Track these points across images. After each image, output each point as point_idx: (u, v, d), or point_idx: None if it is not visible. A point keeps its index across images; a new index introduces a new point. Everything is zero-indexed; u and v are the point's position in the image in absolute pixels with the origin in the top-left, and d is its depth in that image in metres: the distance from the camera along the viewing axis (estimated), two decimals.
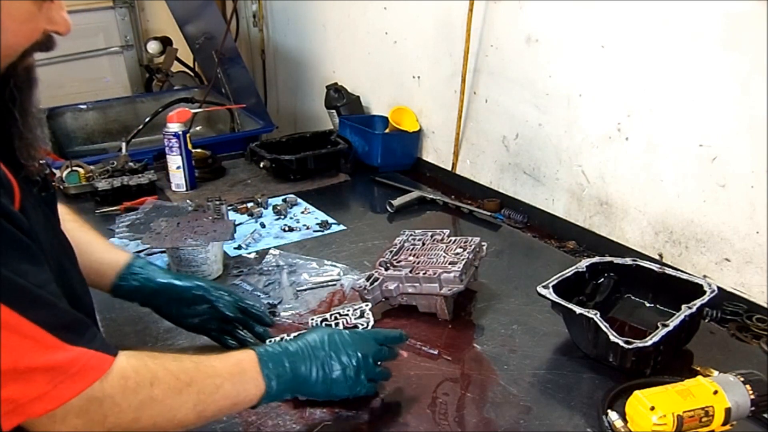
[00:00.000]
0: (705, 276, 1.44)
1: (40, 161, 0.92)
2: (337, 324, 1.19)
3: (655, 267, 1.31)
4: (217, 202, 1.74)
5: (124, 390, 0.78)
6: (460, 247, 1.40)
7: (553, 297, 1.21)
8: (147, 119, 2.55)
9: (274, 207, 1.93)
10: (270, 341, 1.18)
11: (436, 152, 2.28)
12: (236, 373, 0.89)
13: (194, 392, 0.83)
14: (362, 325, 1.18)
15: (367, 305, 1.20)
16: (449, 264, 1.34)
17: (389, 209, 1.93)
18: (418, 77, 2.29)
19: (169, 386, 0.81)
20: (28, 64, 0.82)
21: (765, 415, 1.02)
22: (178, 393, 0.82)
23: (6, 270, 0.70)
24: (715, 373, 1.11)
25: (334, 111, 2.55)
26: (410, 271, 1.34)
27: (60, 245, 0.96)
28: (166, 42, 3.46)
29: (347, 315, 1.21)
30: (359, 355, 1.01)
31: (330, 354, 0.99)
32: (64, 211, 1.17)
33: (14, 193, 0.78)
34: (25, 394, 0.71)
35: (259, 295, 1.46)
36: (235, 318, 1.23)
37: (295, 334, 1.12)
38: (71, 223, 1.18)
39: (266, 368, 0.92)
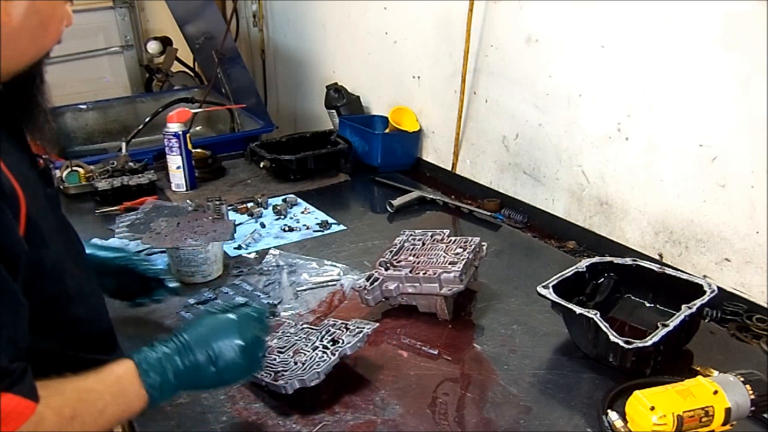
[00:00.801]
0: (705, 276, 1.44)
1: (44, 157, 0.94)
2: (334, 332, 1.19)
3: (655, 267, 1.31)
4: (217, 202, 1.74)
5: (40, 427, 0.76)
6: (460, 247, 1.40)
7: (553, 297, 1.21)
8: (147, 119, 2.55)
9: (274, 207, 1.93)
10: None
11: (436, 152, 2.28)
12: (118, 393, 0.87)
13: (78, 424, 0.82)
14: (348, 341, 1.14)
15: (370, 328, 1.19)
16: (449, 264, 1.34)
17: (389, 209, 1.93)
18: (418, 77, 2.29)
19: (53, 424, 0.79)
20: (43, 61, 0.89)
21: (765, 415, 1.02)
22: (64, 429, 0.80)
23: None
24: (715, 373, 1.11)
25: (334, 111, 2.55)
26: (410, 271, 1.34)
27: (67, 242, 0.97)
28: (166, 42, 3.46)
29: (348, 328, 1.20)
30: (249, 337, 0.97)
31: (213, 345, 0.94)
32: None
33: (19, 205, 0.79)
34: None
35: (259, 295, 1.46)
36: (154, 277, 1.32)
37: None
38: None
39: (147, 378, 0.89)
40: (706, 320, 1.36)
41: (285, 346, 1.19)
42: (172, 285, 1.34)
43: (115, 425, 0.89)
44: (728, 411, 0.94)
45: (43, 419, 0.78)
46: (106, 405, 0.85)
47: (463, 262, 1.34)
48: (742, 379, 0.97)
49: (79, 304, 0.95)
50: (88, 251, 1.18)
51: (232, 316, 0.99)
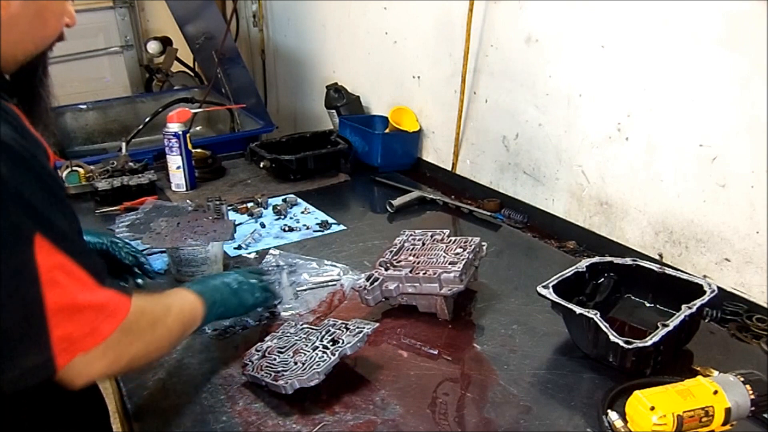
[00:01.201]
0: (705, 276, 1.44)
1: None
2: (334, 332, 1.19)
3: (655, 267, 1.31)
4: (217, 202, 1.74)
5: (140, 320, 0.92)
6: (460, 247, 1.40)
7: (553, 297, 1.21)
8: (147, 119, 2.56)
9: (274, 207, 1.93)
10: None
11: (436, 152, 2.28)
12: (182, 295, 1.11)
13: (173, 315, 1.03)
14: (348, 341, 1.15)
15: (370, 328, 1.20)
16: (449, 264, 1.34)
17: (389, 209, 1.93)
18: (418, 77, 2.29)
19: (161, 312, 1.00)
20: (47, 53, 0.95)
21: (765, 415, 1.02)
22: (167, 315, 1.01)
23: (57, 219, 0.81)
24: (715, 373, 1.11)
25: (334, 111, 2.56)
26: (410, 271, 1.34)
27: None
28: (166, 42, 3.46)
29: (348, 328, 1.20)
30: (252, 281, 1.28)
31: (239, 285, 1.24)
32: None
33: (50, 156, 0.88)
34: (79, 330, 0.82)
35: None
36: (133, 264, 1.42)
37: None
38: None
39: (203, 295, 1.14)
40: (706, 320, 1.36)
41: (285, 346, 1.19)
42: (149, 270, 1.45)
43: (192, 324, 1.09)
44: (728, 411, 0.94)
45: (153, 310, 0.98)
46: (182, 306, 1.07)
47: (463, 262, 1.34)
48: (742, 379, 0.96)
49: None
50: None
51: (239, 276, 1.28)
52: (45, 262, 0.77)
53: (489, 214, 1.88)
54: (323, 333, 1.19)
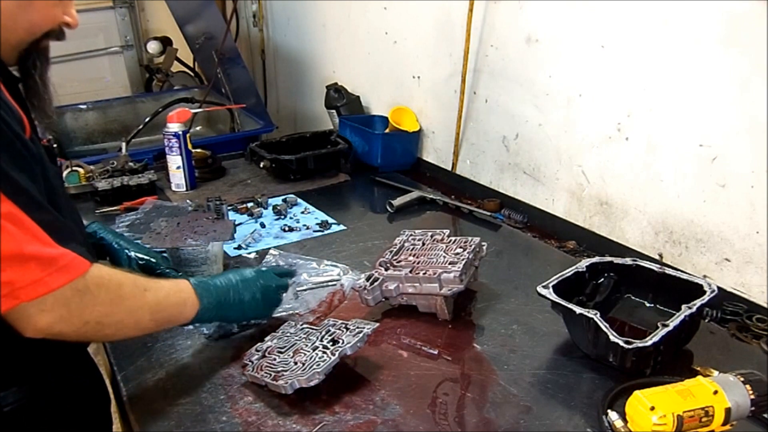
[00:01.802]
0: (705, 276, 1.44)
1: (48, 138, 1.00)
2: (334, 332, 1.19)
3: (655, 267, 1.31)
4: (217, 202, 1.74)
5: (100, 286, 0.93)
6: (460, 247, 1.40)
7: (553, 297, 1.21)
8: (147, 119, 2.56)
9: (274, 207, 1.93)
10: None
11: (436, 152, 2.28)
12: (176, 290, 1.10)
13: (151, 296, 1.03)
14: (348, 341, 1.15)
15: (370, 328, 1.20)
16: (449, 264, 1.34)
17: (389, 209, 1.93)
18: (418, 77, 2.29)
19: (132, 289, 1.00)
20: (45, 44, 1.01)
21: (765, 415, 1.02)
22: (140, 295, 1.01)
23: (17, 175, 0.84)
24: (715, 373, 1.11)
25: (334, 111, 2.56)
26: (410, 271, 1.34)
27: (70, 207, 1.06)
28: (166, 42, 3.47)
29: (348, 328, 1.20)
30: (263, 285, 1.24)
31: (242, 288, 1.21)
32: None
33: (25, 127, 0.91)
34: (22, 278, 0.84)
35: None
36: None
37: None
38: None
39: (198, 288, 1.13)
40: (706, 320, 1.36)
41: (285, 346, 1.19)
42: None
43: (176, 317, 1.09)
44: (728, 411, 0.94)
45: (125, 283, 0.99)
46: (169, 292, 1.07)
47: (463, 262, 1.34)
48: (742, 379, 0.97)
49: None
50: (117, 243, 1.37)
51: (262, 270, 1.27)
52: None
53: (489, 214, 1.88)
54: (323, 333, 1.20)
